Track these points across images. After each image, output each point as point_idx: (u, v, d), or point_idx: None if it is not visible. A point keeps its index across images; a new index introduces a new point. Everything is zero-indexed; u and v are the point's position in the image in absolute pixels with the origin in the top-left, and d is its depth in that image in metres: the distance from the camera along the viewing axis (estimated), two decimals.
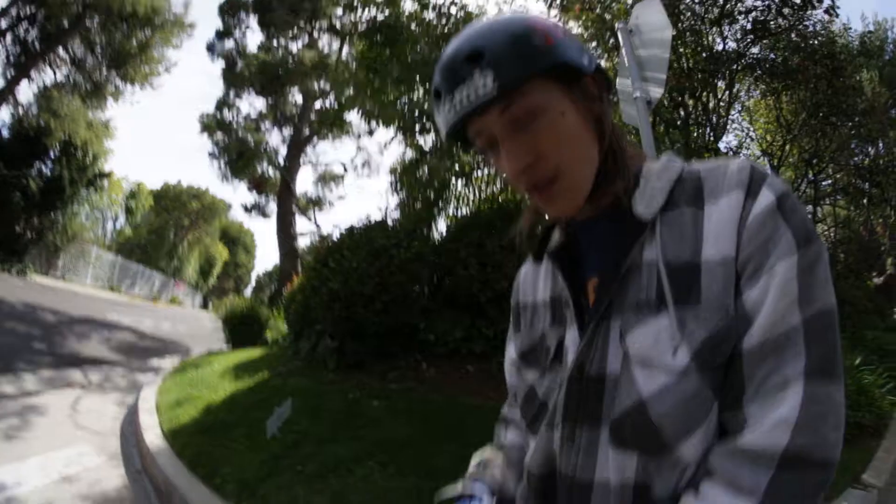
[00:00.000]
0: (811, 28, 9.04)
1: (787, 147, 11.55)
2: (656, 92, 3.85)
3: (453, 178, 10.00)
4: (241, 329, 12.28)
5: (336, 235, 8.45)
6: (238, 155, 25.20)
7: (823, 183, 13.11)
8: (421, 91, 9.09)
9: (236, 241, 60.01)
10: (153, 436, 5.11)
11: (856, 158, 13.22)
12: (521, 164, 0.90)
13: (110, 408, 6.58)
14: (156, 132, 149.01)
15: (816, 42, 9.06)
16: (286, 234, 22.83)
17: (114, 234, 43.28)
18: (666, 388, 0.81)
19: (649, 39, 3.94)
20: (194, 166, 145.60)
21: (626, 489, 0.85)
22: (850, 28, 13.69)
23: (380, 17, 9.11)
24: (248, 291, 67.95)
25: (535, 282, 1.16)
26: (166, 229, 46.69)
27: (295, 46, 26.27)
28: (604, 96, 0.98)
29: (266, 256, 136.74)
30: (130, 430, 5.76)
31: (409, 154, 10.89)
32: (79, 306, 16.28)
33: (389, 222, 8.66)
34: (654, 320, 0.84)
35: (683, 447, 0.81)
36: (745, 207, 0.82)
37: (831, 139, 11.33)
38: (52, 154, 24.17)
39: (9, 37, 24.24)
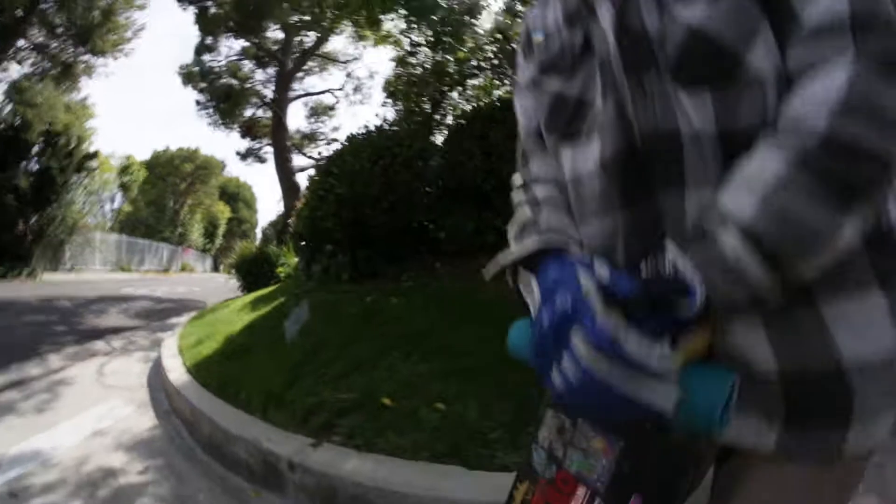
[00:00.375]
0: None
1: None
2: None
3: (448, 88, 9.80)
4: (253, 272, 12.30)
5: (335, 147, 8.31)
6: (225, 97, 24.75)
7: None
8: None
9: (236, 196, 60.06)
10: (177, 375, 5.09)
11: None
12: None
13: (136, 366, 6.60)
14: (135, 102, 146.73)
15: None
16: (285, 170, 22.63)
17: (114, 214, 43.29)
18: (708, 11, 0.71)
19: None
20: (181, 129, 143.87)
21: (712, 134, 0.73)
22: None
23: None
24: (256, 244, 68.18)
25: (543, 10, 0.98)
26: (164, 198, 46.96)
27: None
28: None
29: (268, 208, 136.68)
30: (157, 378, 5.77)
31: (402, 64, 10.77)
32: (92, 290, 16.37)
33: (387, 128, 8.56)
34: None
35: (751, 57, 0.71)
36: None
37: None
38: (35, 148, 23.59)
39: None
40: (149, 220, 43.78)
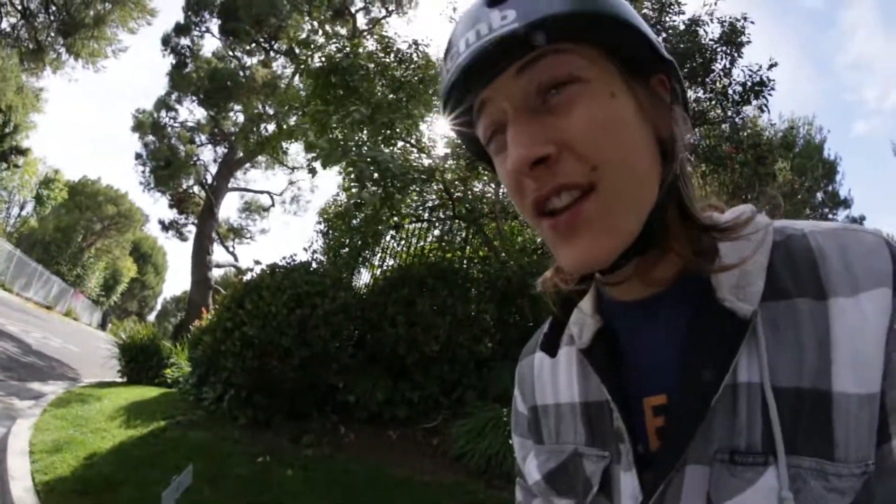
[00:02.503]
0: (741, 121, 9.93)
1: None
2: None
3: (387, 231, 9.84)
4: (139, 361, 11.48)
5: (256, 271, 8.05)
6: (166, 163, 24.60)
7: None
8: (368, 134, 8.83)
9: (147, 258, 58.07)
10: (21, 489, 4.51)
11: None
12: (533, 152, 0.63)
13: None
14: (85, 119, 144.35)
15: (745, 133, 9.82)
16: (201, 261, 21.98)
17: (17, 223, 41.20)
18: None
19: None
20: (117, 167, 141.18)
21: None
22: (775, 124, 15.20)
23: (338, 57, 8.93)
24: (151, 316, 65.73)
25: (554, 376, 0.87)
26: (75, 230, 44.71)
27: (249, 61, 26.01)
28: (676, 109, 0.73)
29: (176, 281, 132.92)
30: None
31: (344, 198, 10.73)
32: None
33: (314, 265, 8.42)
34: (760, 482, 0.60)
35: None
36: None
37: None
38: None
39: None
40: (51, 245, 41.72)
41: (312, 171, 9.20)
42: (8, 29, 24.17)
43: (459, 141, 0.85)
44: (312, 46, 10.17)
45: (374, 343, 7.46)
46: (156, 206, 56.48)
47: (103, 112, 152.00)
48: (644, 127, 0.68)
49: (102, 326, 45.92)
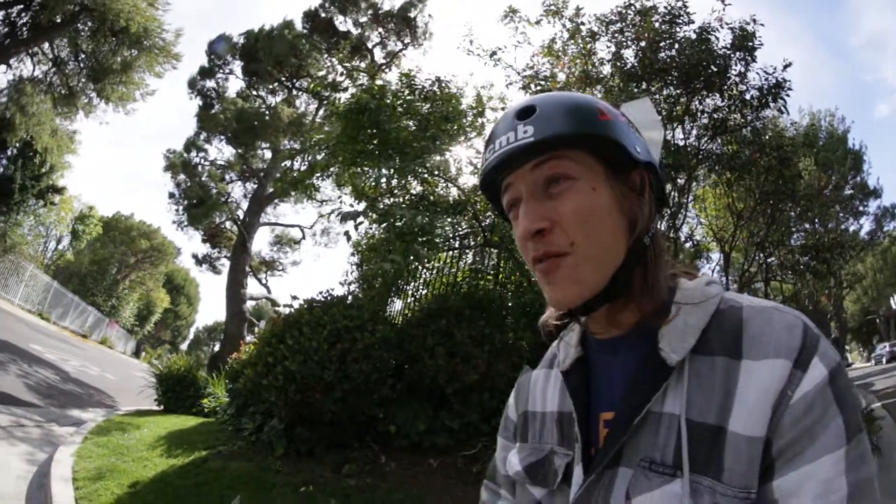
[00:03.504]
0: (762, 124, 9.94)
1: (738, 232, 12.15)
2: None
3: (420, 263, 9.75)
4: (176, 391, 11.57)
5: (294, 305, 7.99)
6: (198, 201, 24.74)
7: (769, 260, 13.67)
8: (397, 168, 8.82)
9: (180, 289, 59.09)
10: None
11: (801, 240, 13.86)
12: (534, 226, 0.89)
13: (17, 463, 5.81)
14: (118, 156, 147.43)
15: (767, 136, 9.93)
16: (236, 294, 21.91)
17: (54, 256, 42.05)
18: None
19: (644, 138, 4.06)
20: (149, 202, 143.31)
21: None
22: (796, 122, 15.39)
23: (364, 98, 8.98)
24: (184, 345, 66.38)
25: (545, 389, 1.11)
26: (110, 263, 45.51)
27: (273, 100, 26.26)
28: (647, 195, 0.96)
29: (208, 311, 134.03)
30: (39, 495, 5.01)
31: (376, 230, 10.61)
32: (1, 327, 15.36)
33: (349, 298, 8.45)
34: (666, 487, 0.79)
35: None
36: (791, 382, 0.76)
37: (779, 223, 12.00)
38: (9, 152, 23.89)
39: (0, 14, 23.37)
40: (87, 277, 42.40)
41: (348, 236, 9.17)
42: (41, 76, 24.75)
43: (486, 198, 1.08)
44: (339, 88, 10.24)
45: (414, 374, 7.37)
46: (189, 241, 57.15)
47: (133, 149, 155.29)
48: (616, 211, 0.90)
49: (136, 355, 46.44)
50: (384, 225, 7.95)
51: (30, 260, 30.03)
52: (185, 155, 26.02)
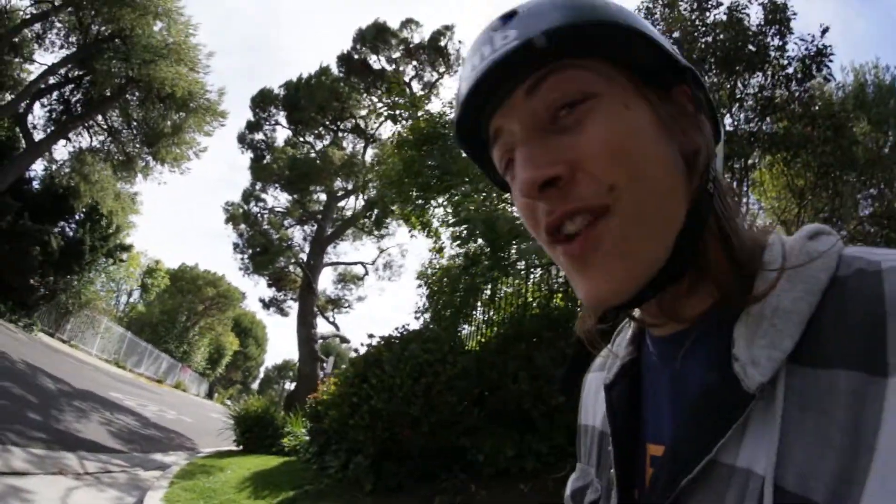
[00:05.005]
0: (808, 96, 9.35)
1: (802, 212, 11.44)
2: None
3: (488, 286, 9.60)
4: (254, 431, 11.45)
5: (370, 343, 7.77)
6: (262, 249, 24.94)
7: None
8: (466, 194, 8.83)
9: (248, 332, 60.28)
10: None
11: (868, 209, 13.18)
12: (542, 172, 0.56)
13: None
14: (178, 211, 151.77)
15: (817, 107, 9.29)
16: (307, 335, 21.60)
17: (126, 308, 43.58)
18: None
19: None
20: (212, 251, 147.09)
21: None
22: (842, 85, 14.61)
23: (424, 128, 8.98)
24: (255, 384, 67.67)
25: (596, 398, 0.81)
26: (179, 311, 46.91)
27: (320, 144, 26.40)
28: (701, 118, 0.63)
29: (276, 350, 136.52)
30: None
31: (443, 260, 10.74)
32: (81, 377, 15.51)
33: (426, 332, 8.22)
34: None
35: None
36: None
37: (843, 196, 11.17)
38: (77, 217, 24.78)
39: (55, 94, 24.82)
40: (158, 326, 43.49)
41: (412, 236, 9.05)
42: (98, 146, 25.85)
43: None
44: (400, 121, 10.15)
45: (497, 400, 7.04)
46: (255, 286, 58.61)
47: (192, 202, 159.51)
48: (665, 140, 0.59)
49: (210, 396, 48.39)
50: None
51: (104, 314, 31.01)
52: (245, 206, 26.40)
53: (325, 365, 20.28)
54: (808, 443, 0.46)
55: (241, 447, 11.37)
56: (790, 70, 8.71)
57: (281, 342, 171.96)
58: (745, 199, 9.96)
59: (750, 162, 9.76)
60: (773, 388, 0.50)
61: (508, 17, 0.60)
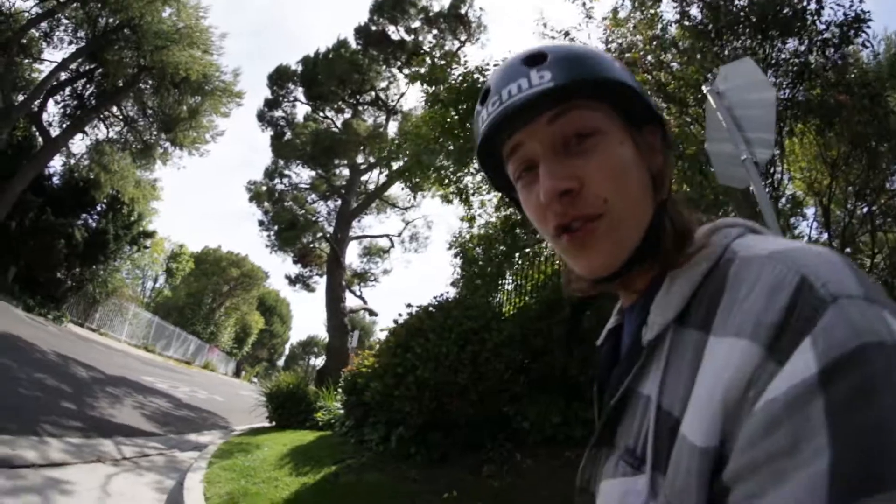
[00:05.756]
0: (842, 63, 9.08)
1: (834, 183, 11.30)
2: (764, 153, 3.76)
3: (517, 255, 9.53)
4: (286, 407, 11.28)
5: (409, 313, 7.54)
6: (289, 225, 24.66)
7: (871, 209, 12.56)
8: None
9: (272, 310, 60.86)
10: None
11: None
12: (563, 184, 0.73)
13: (147, 493, 5.37)
14: (198, 194, 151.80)
15: (852, 75, 9.10)
16: (336, 309, 21.46)
17: (152, 294, 43.93)
18: None
19: (745, 100, 3.86)
20: (234, 232, 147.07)
21: None
22: (879, 54, 13.93)
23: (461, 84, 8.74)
24: (280, 361, 68.42)
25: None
26: (204, 294, 47.52)
27: (340, 118, 25.98)
28: (666, 152, 0.83)
29: (300, 327, 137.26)
30: None
31: (473, 229, 10.74)
32: (112, 363, 15.45)
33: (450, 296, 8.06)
34: (628, 480, 0.68)
35: None
36: (757, 376, 0.51)
37: (877, 168, 10.94)
38: (99, 207, 25.05)
39: (67, 90, 24.85)
40: (185, 309, 43.91)
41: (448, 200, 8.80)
42: (116, 136, 25.90)
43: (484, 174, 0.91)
44: (434, 78, 9.74)
45: (542, 367, 6.83)
46: (282, 263, 59.37)
47: (213, 184, 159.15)
48: (641, 166, 0.77)
49: (237, 374, 48.94)
50: None
51: (131, 300, 31.40)
52: (269, 182, 26.21)
53: (350, 339, 20.19)
54: (675, 379, 0.64)
55: (273, 423, 11.25)
56: (826, 35, 8.46)
57: (305, 318, 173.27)
58: (778, 168, 9.86)
59: (784, 128, 9.47)
60: (662, 342, 0.69)
61: (541, 58, 0.75)
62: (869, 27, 8.24)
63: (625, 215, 0.73)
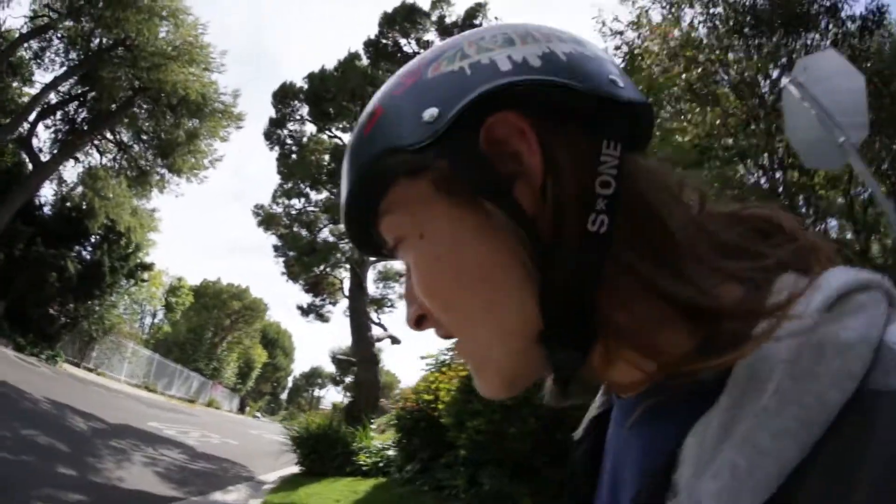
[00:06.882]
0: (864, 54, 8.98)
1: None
2: (859, 134, 3.71)
3: None
4: (318, 451, 9.83)
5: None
6: (308, 250, 22.97)
7: None
8: None
9: (275, 342, 59.99)
10: None
11: None
12: (412, 314, 0.55)
13: None
14: (190, 224, 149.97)
15: (868, 65, 8.64)
16: (363, 338, 19.92)
17: (151, 330, 43.71)
18: None
19: (831, 88, 3.79)
20: (232, 263, 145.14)
21: None
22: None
23: None
24: (284, 395, 67.80)
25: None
26: (205, 328, 46.63)
27: (348, 136, 24.54)
28: (541, 143, 0.48)
29: (302, 358, 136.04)
30: None
31: None
32: (113, 408, 13.92)
33: None
34: None
35: None
36: None
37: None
38: (93, 238, 23.55)
39: (59, 114, 23.72)
40: (186, 345, 43.05)
41: None
42: (109, 163, 24.71)
43: None
44: None
45: None
46: (282, 295, 59.38)
47: (201, 215, 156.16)
48: (483, 231, 0.49)
49: (241, 410, 48.45)
50: None
51: (129, 338, 30.07)
52: (286, 201, 24.66)
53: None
54: None
55: (301, 469, 10.00)
56: (851, 27, 8.71)
57: (306, 349, 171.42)
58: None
59: None
60: None
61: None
62: (887, 20, 8.63)
63: (464, 331, 0.52)
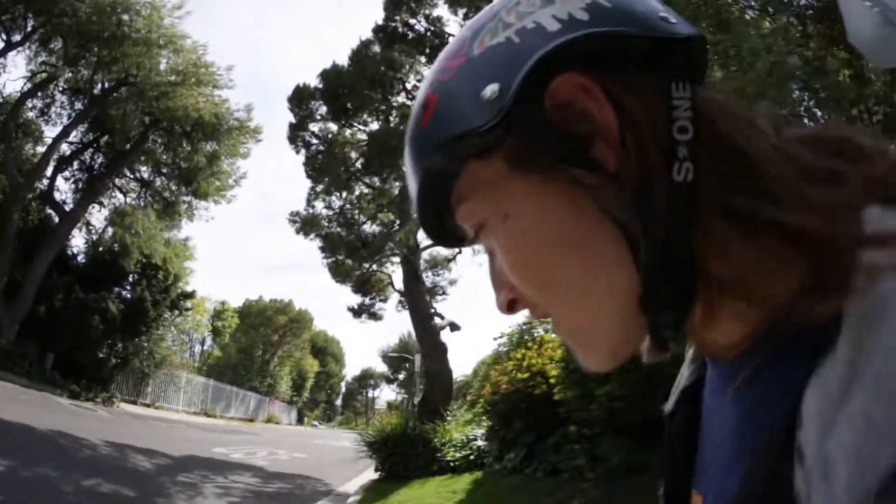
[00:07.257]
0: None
1: None
2: None
3: None
4: (399, 452, 9.32)
5: None
6: (360, 244, 22.16)
7: None
8: None
9: (324, 350, 60.38)
10: None
11: None
12: (503, 299, 0.53)
13: None
14: (226, 247, 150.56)
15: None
16: (427, 328, 19.12)
17: (202, 357, 44.13)
18: None
19: None
20: (269, 281, 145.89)
21: None
22: None
23: None
24: (338, 401, 68.24)
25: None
26: (255, 347, 47.19)
27: (374, 125, 23.51)
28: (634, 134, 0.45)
29: (352, 363, 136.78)
30: None
31: None
32: (175, 440, 13.53)
33: None
34: None
35: None
36: None
37: None
38: (130, 277, 23.42)
39: (75, 163, 23.78)
40: (238, 366, 43.44)
41: None
42: (134, 200, 24.67)
43: None
44: None
45: None
46: (327, 302, 59.85)
47: (239, 235, 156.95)
48: (572, 218, 0.46)
49: (300, 421, 49.40)
50: None
51: (181, 368, 30.30)
52: (325, 199, 23.56)
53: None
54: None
55: (381, 474, 9.65)
56: None
57: (355, 353, 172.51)
58: None
59: None
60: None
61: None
62: None
63: (566, 309, 0.49)
